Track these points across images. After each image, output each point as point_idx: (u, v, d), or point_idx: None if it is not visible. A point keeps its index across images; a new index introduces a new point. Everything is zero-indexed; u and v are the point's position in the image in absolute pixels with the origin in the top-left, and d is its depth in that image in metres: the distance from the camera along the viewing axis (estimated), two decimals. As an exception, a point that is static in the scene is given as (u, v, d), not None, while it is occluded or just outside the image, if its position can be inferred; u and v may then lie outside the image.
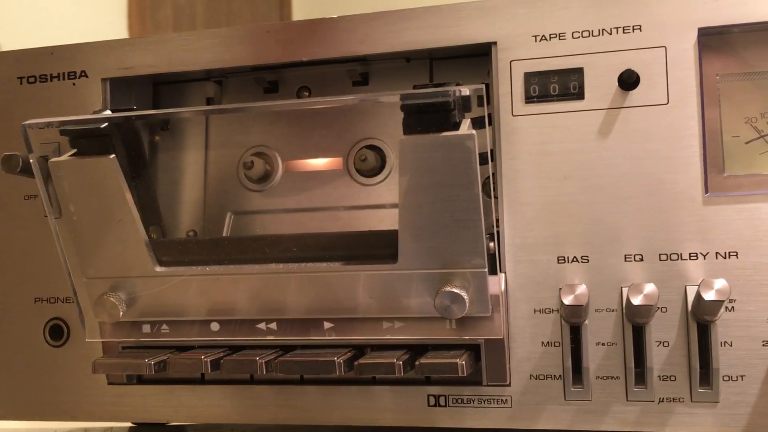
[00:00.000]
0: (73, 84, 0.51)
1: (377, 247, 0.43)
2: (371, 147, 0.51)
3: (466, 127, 0.39)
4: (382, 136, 0.51)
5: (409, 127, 0.39)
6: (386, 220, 0.50)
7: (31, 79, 0.51)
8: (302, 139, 0.52)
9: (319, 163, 0.52)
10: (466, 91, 0.39)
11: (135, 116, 0.43)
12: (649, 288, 0.39)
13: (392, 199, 0.50)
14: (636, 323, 0.41)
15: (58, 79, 0.51)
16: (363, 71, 0.51)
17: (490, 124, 0.44)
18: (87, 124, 0.43)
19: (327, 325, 0.44)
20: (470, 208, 0.40)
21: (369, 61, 0.50)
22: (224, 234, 0.52)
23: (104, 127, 0.43)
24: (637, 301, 0.38)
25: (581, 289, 0.41)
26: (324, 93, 0.52)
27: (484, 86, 0.40)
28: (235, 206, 0.53)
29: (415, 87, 0.42)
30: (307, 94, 0.53)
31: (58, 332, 0.50)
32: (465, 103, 0.40)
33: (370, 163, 0.49)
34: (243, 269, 0.44)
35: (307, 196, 0.51)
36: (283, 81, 0.53)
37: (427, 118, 0.39)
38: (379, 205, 0.50)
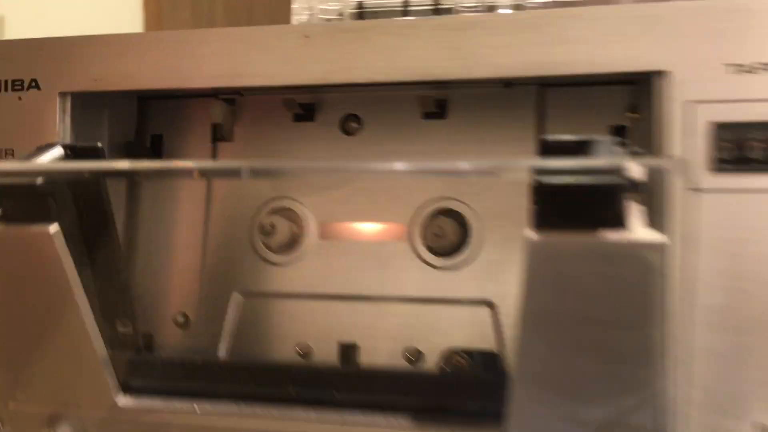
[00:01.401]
0: (19, 98, 0.35)
1: (467, 397, 0.27)
2: (448, 212, 0.34)
3: (642, 227, 0.23)
4: (464, 197, 0.35)
5: (545, 220, 0.23)
6: (464, 322, 0.34)
7: (-40, 89, 0.36)
8: (346, 194, 0.36)
9: (369, 230, 0.36)
10: (639, 171, 0.23)
11: (89, 171, 0.27)
12: None
13: (474, 291, 0.34)
14: None
15: (-2, 91, 0.35)
16: (440, 98, 0.35)
17: (650, 201, 0.28)
18: (16, 177, 0.27)
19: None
20: (641, 360, 0.23)
21: (449, 85, 0.34)
22: (227, 320, 0.36)
23: (41, 184, 0.26)
24: None
25: None
26: (380, 123, 0.37)
27: (685, 162, 0.23)
28: (244, 283, 0.37)
29: (544, 143, 0.25)
30: (356, 125, 0.37)
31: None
32: (632, 183, 0.24)
33: (447, 239, 0.33)
34: (252, 412, 0.28)
35: (348, 277, 0.36)
36: (321, 104, 0.37)
37: (578, 208, 0.23)
38: (456, 299, 0.34)
